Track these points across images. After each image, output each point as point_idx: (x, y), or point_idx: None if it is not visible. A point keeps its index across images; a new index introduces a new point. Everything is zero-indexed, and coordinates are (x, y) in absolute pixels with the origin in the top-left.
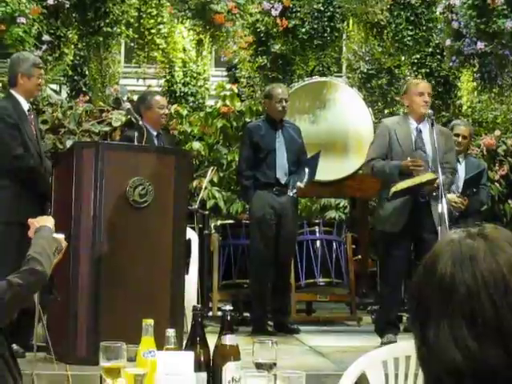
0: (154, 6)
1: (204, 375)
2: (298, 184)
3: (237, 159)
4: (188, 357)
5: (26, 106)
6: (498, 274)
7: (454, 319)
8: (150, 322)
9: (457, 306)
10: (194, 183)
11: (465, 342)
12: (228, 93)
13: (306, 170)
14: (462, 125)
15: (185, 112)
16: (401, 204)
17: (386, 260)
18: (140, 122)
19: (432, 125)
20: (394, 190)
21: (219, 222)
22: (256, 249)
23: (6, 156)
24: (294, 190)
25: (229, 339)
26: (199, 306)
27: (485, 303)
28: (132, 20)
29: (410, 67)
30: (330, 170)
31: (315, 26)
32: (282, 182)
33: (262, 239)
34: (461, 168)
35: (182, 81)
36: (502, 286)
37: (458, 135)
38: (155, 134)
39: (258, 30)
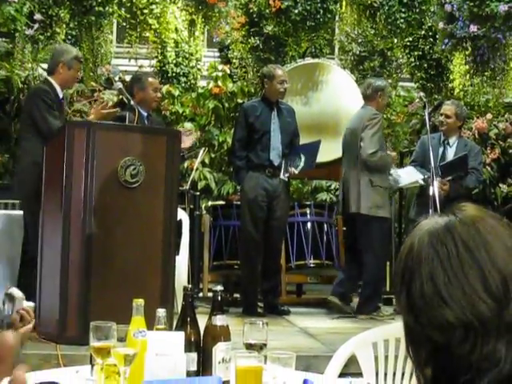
0: None
1: (194, 356)
2: (292, 169)
3: (228, 140)
4: (178, 337)
5: (60, 94)
6: (475, 233)
7: (437, 276)
8: (141, 301)
9: (437, 263)
10: (186, 164)
11: (451, 295)
12: (220, 74)
13: (303, 157)
14: (448, 104)
15: (177, 92)
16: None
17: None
18: (132, 102)
19: (424, 107)
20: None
21: (210, 203)
22: (246, 230)
23: (47, 132)
24: (287, 174)
25: (219, 320)
26: (190, 286)
27: (465, 257)
28: (124, 0)
29: (402, 50)
30: (321, 151)
31: (308, 8)
32: (276, 164)
33: (253, 221)
34: (450, 150)
35: (174, 61)
36: (480, 242)
37: (441, 114)
38: (146, 114)
39: (251, 10)
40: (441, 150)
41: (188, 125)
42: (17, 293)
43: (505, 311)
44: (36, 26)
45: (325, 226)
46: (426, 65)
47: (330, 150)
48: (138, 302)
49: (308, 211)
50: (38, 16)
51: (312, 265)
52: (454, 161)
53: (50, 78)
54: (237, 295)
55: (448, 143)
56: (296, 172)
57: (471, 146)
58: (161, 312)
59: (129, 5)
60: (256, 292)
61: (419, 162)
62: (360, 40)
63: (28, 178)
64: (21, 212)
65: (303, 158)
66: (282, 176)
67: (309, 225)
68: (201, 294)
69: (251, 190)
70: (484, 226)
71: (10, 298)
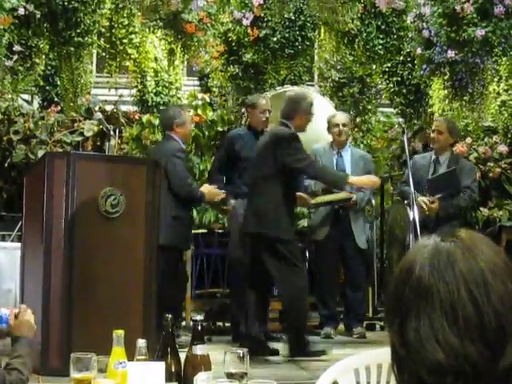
0: (125, 15)
1: None
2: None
3: (209, 168)
4: (159, 367)
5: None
6: (477, 271)
7: (435, 317)
8: (121, 332)
9: (437, 304)
10: None
11: (446, 339)
12: (200, 102)
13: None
14: (439, 120)
15: (157, 121)
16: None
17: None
18: (111, 132)
19: (403, 132)
20: (313, 201)
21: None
22: (235, 257)
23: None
24: None
25: (199, 349)
26: (170, 316)
27: (465, 300)
28: (103, 30)
29: (381, 76)
30: None
31: (286, 35)
32: None
33: (241, 248)
34: (441, 169)
35: (154, 90)
36: (481, 283)
37: (433, 131)
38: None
39: (230, 39)
40: (431, 169)
41: None
42: None
43: (499, 361)
44: (15, 57)
45: (307, 252)
46: (404, 90)
47: None
48: (118, 333)
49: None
50: (17, 47)
51: None
52: (442, 176)
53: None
54: (219, 323)
55: (439, 162)
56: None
57: (463, 164)
58: (141, 342)
59: (108, 35)
60: (244, 319)
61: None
62: (339, 67)
63: None
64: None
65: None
66: None
67: None
68: (184, 323)
69: (239, 217)
70: (485, 262)
71: None
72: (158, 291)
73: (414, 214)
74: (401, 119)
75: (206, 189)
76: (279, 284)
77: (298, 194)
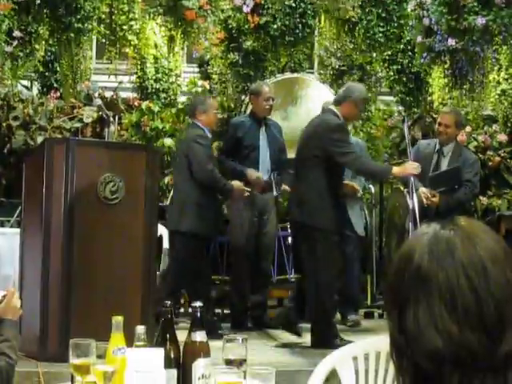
0: (125, 2)
1: (174, 372)
2: (285, 187)
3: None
4: (158, 353)
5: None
6: (476, 259)
7: (434, 304)
8: (120, 318)
9: (436, 291)
10: (166, 180)
11: (445, 327)
12: (200, 89)
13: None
14: (447, 112)
15: (156, 108)
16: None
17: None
18: (111, 119)
19: (403, 121)
20: None
21: None
22: (237, 245)
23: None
24: (279, 191)
25: (198, 336)
26: (168, 302)
27: (464, 288)
28: (103, 16)
29: (381, 64)
30: None
31: (287, 23)
32: (265, 178)
33: (244, 235)
34: (444, 160)
35: (154, 77)
36: (481, 271)
37: (439, 124)
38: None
39: (230, 26)
40: (435, 158)
41: (168, 140)
42: None
43: (498, 349)
44: (15, 42)
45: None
46: (405, 78)
47: None
48: (118, 319)
49: (288, 225)
50: (16, 33)
51: (293, 279)
52: (445, 173)
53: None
54: (218, 311)
55: (442, 153)
56: (288, 189)
57: (466, 157)
58: (140, 329)
59: (108, 21)
60: (246, 306)
61: None
62: (339, 54)
63: None
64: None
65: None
66: (275, 192)
67: (289, 239)
68: (182, 310)
69: (240, 204)
70: (484, 250)
71: None
72: (177, 279)
73: (413, 203)
74: (401, 107)
75: (236, 184)
76: (308, 274)
77: (345, 182)
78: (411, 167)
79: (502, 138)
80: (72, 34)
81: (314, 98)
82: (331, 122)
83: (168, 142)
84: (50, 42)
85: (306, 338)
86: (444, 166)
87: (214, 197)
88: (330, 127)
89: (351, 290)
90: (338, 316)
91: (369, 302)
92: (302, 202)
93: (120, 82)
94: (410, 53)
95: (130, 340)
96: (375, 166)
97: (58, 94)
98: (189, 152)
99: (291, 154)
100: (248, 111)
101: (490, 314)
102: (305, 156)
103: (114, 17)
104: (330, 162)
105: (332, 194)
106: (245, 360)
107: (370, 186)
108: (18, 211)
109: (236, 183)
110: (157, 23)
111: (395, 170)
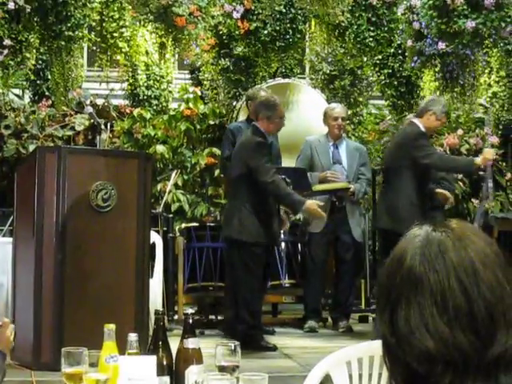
0: (115, 9)
1: (167, 379)
2: None
3: (201, 162)
4: (150, 361)
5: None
6: (467, 262)
7: (425, 306)
8: (112, 326)
9: (427, 293)
10: (159, 186)
11: (436, 328)
12: (191, 95)
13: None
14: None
15: (148, 115)
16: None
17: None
18: (103, 126)
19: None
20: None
21: (184, 225)
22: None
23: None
24: None
25: (191, 343)
26: (161, 309)
27: (455, 290)
28: (94, 24)
29: (372, 68)
30: None
31: (277, 28)
32: None
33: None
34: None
35: (145, 84)
36: (471, 273)
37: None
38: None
39: (220, 32)
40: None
41: (160, 147)
42: None
43: (488, 350)
44: (5, 51)
45: (299, 245)
46: (396, 82)
47: None
48: (110, 327)
49: (282, 231)
50: (7, 41)
51: (287, 285)
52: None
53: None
54: (212, 317)
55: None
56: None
57: None
58: (132, 336)
59: (99, 29)
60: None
61: None
62: (330, 59)
63: None
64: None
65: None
66: None
67: (283, 245)
68: (176, 317)
69: None
70: (476, 252)
71: None
72: (234, 287)
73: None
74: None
75: (312, 204)
76: None
77: (438, 190)
78: (490, 154)
79: (494, 140)
80: (63, 42)
81: (306, 103)
82: (412, 132)
83: (160, 148)
84: (41, 50)
85: (301, 343)
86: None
87: (272, 204)
88: (411, 136)
89: (344, 296)
90: (330, 321)
91: (363, 306)
92: (391, 210)
93: (111, 90)
94: (400, 57)
95: (122, 348)
96: (459, 161)
97: (50, 102)
98: (249, 161)
99: (284, 159)
100: (240, 117)
101: (481, 315)
102: (392, 166)
103: (104, 24)
104: (417, 171)
105: (420, 201)
106: (238, 366)
107: (368, 190)
108: (10, 220)
109: (312, 204)
110: (147, 30)
111: (477, 160)
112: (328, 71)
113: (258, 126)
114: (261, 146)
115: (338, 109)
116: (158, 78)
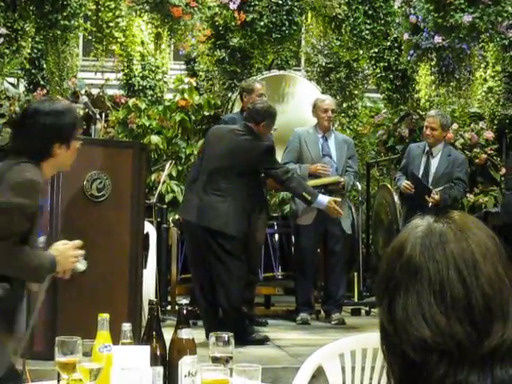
0: None
1: (160, 369)
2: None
3: (195, 152)
4: (144, 351)
5: None
6: (467, 253)
7: (423, 295)
8: (106, 316)
9: (426, 282)
10: (153, 177)
11: (433, 317)
12: (186, 86)
13: None
14: (432, 115)
15: (143, 105)
16: None
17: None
18: (97, 116)
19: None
20: None
21: (177, 216)
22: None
23: None
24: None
25: (185, 333)
26: (155, 300)
27: (454, 280)
28: (90, 13)
29: (368, 61)
30: None
31: (273, 20)
32: None
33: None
34: (434, 161)
35: (141, 74)
36: (471, 265)
37: (426, 127)
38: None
39: (216, 23)
40: (424, 160)
41: (155, 138)
42: None
43: (484, 342)
44: (1, 40)
45: (292, 237)
46: (391, 76)
47: None
48: (103, 317)
49: (275, 223)
50: (2, 30)
51: (280, 277)
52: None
53: None
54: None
55: (431, 153)
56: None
57: (455, 156)
58: (126, 326)
59: (94, 18)
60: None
61: (405, 171)
62: (326, 52)
63: None
64: None
65: None
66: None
67: (276, 237)
68: (169, 307)
69: None
70: (476, 244)
71: None
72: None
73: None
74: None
75: (331, 202)
76: None
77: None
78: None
79: (489, 135)
80: (58, 32)
81: (301, 95)
82: None
83: (155, 139)
84: (37, 39)
85: (293, 335)
86: (434, 165)
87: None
88: None
89: (335, 288)
90: (323, 314)
91: (356, 299)
92: None
93: (107, 80)
94: (396, 50)
95: (117, 338)
96: None
97: (45, 91)
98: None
99: (277, 151)
100: (235, 109)
101: (479, 307)
102: None
103: (100, 14)
104: None
105: None
106: (231, 357)
107: (357, 183)
108: None
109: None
110: (143, 20)
111: None
112: (324, 64)
113: (253, 128)
114: (273, 151)
115: (328, 101)
116: (154, 69)
